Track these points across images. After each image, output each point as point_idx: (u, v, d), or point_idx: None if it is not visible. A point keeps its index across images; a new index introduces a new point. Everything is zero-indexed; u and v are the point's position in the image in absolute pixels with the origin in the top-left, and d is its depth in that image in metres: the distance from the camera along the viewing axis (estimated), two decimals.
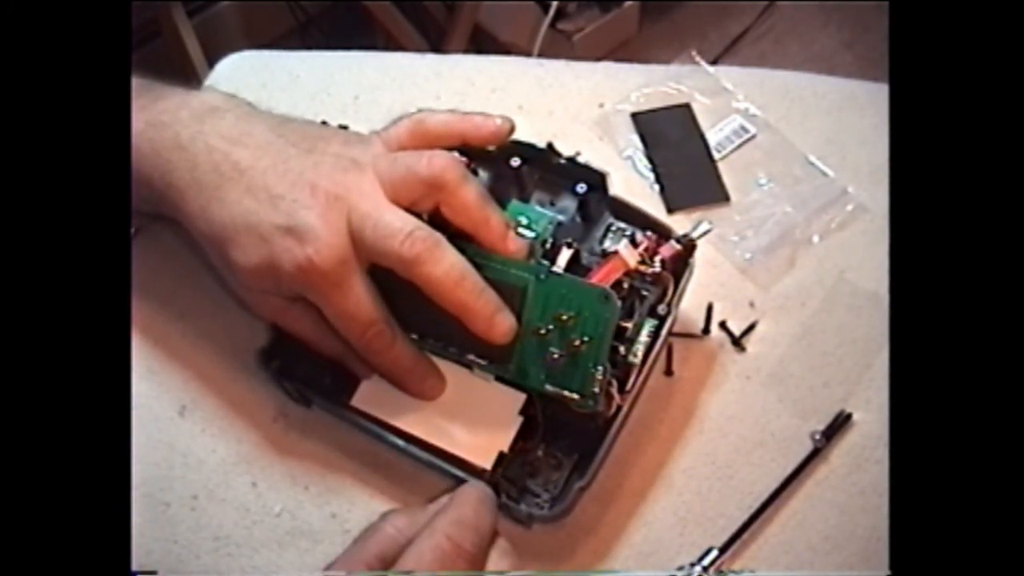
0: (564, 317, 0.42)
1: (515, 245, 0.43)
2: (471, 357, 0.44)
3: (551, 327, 0.42)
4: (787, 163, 0.55)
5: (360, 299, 0.42)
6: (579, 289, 0.42)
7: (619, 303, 0.41)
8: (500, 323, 0.42)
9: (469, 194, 0.43)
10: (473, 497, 0.40)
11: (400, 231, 0.41)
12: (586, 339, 0.42)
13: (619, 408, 0.43)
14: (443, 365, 0.46)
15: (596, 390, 0.42)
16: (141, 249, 0.51)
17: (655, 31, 1.53)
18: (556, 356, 0.42)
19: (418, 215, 0.43)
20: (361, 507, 0.46)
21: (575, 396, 0.42)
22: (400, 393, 0.45)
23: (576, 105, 0.58)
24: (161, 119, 0.44)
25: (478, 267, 0.42)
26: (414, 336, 0.45)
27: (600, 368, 0.42)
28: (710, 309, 0.49)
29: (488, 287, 0.42)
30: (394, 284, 0.42)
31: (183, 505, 0.46)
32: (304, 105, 0.58)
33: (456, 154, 0.44)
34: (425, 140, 0.45)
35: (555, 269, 0.43)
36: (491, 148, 0.47)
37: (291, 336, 0.46)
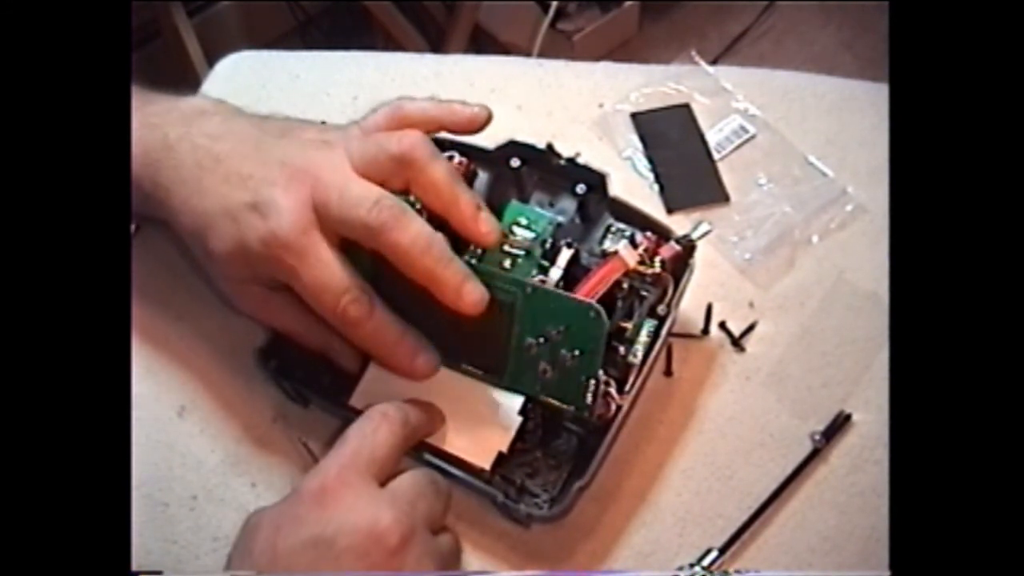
0: (554, 332, 0.42)
1: (485, 226, 0.43)
2: (467, 367, 0.44)
3: (542, 340, 0.42)
4: (787, 163, 0.55)
5: (329, 267, 0.41)
6: (567, 304, 0.42)
7: (607, 320, 0.41)
8: (469, 292, 0.41)
9: (438, 172, 0.42)
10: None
11: (366, 199, 0.41)
12: (577, 353, 0.42)
13: (618, 408, 0.42)
14: (443, 367, 0.46)
15: (589, 402, 0.42)
16: (139, 250, 0.51)
17: (655, 31, 1.53)
18: (548, 373, 0.42)
19: None
20: None
21: (569, 408, 0.43)
22: (398, 393, 0.45)
23: (576, 105, 0.58)
24: (151, 121, 0.45)
25: None
26: None
27: (592, 381, 0.42)
28: (709, 309, 0.49)
29: (456, 256, 0.42)
30: (385, 290, 0.42)
31: (182, 505, 0.46)
32: (304, 105, 0.58)
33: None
34: (403, 126, 0.45)
35: (543, 285, 0.43)
36: (490, 149, 0.47)
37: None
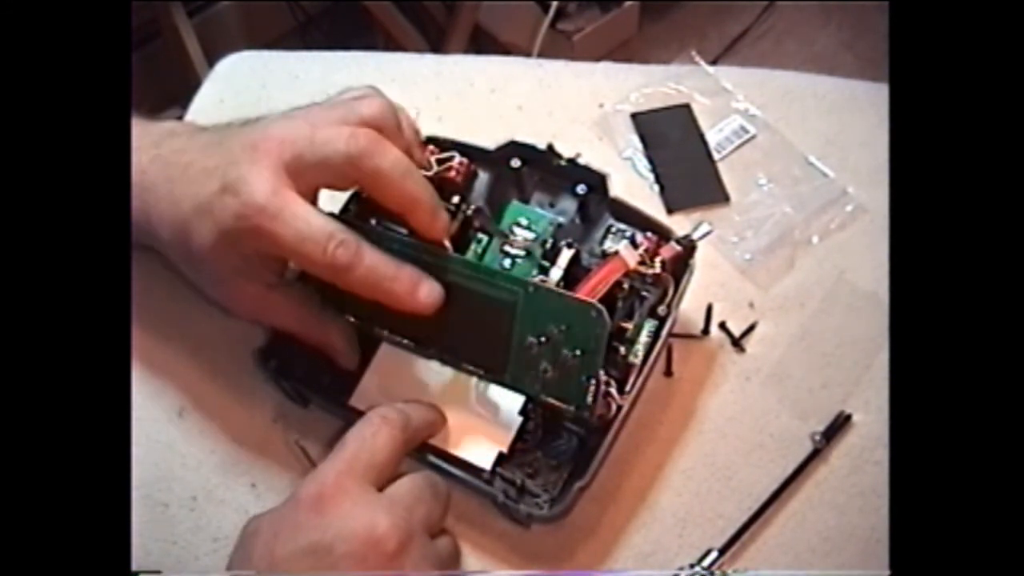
0: (556, 331, 0.42)
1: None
2: (467, 366, 0.44)
3: (543, 339, 0.42)
4: (787, 163, 0.55)
5: (307, 219, 0.41)
6: (569, 304, 0.42)
7: (609, 320, 0.41)
8: (443, 219, 0.43)
9: (404, 142, 0.43)
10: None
11: (340, 134, 0.41)
12: (578, 352, 0.42)
13: (619, 409, 0.42)
14: (443, 367, 0.46)
15: (590, 401, 0.42)
16: (139, 250, 0.51)
17: (655, 31, 1.53)
18: (549, 372, 0.42)
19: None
20: None
21: (570, 408, 0.43)
22: (399, 393, 0.45)
23: (576, 105, 0.58)
24: None
25: (466, 278, 0.43)
26: (411, 343, 0.45)
27: (593, 381, 0.42)
28: (710, 310, 0.49)
29: (429, 183, 0.43)
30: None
31: (182, 506, 0.46)
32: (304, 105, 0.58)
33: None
34: None
35: (545, 283, 0.43)
36: (491, 149, 0.47)
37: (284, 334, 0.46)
